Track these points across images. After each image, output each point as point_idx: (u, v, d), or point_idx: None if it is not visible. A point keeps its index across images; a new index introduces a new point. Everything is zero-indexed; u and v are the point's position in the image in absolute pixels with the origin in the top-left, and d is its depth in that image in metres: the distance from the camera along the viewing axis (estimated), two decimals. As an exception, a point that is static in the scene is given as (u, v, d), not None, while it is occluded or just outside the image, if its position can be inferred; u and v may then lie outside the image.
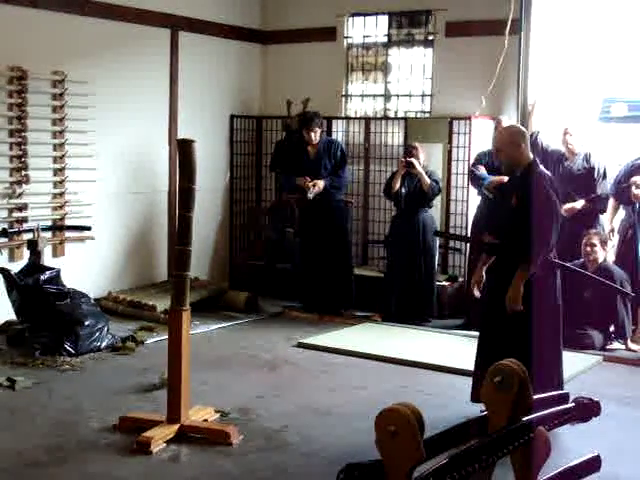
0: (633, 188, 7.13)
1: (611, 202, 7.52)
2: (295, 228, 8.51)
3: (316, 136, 8.04)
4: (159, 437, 4.64)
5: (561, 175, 7.57)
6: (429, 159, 8.09)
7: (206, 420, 5.02)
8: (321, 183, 7.97)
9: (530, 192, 4.94)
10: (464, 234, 8.21)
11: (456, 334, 7.44)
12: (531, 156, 5.12)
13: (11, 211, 7.34)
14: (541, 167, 5.19)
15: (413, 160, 7.72)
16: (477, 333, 7.32)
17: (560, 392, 3.55)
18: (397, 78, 9.08)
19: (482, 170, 7.60)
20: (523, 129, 5.33)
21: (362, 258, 9.00)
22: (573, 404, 3.34)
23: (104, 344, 6.64)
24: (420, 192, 7.78)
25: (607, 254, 7.20)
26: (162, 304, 7.53)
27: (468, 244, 8.03)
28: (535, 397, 3.16)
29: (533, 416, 3.08)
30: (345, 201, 8.41)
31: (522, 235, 4.89)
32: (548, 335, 5.04)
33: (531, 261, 4.88)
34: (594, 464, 3.38)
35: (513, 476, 3.16)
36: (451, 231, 8.38)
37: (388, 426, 2.57)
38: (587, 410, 3.35)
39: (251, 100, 9.69)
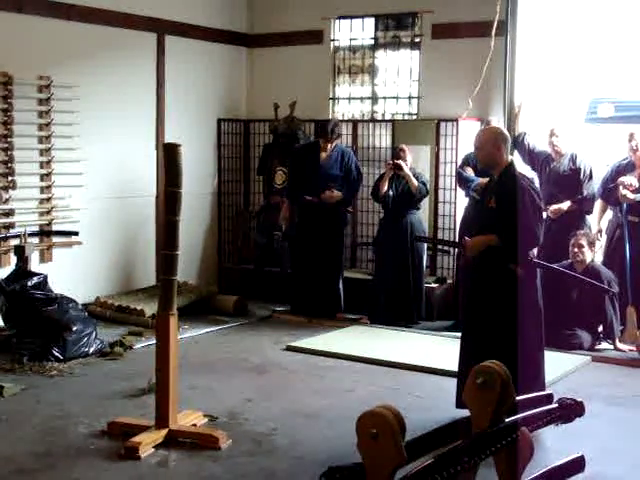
0: (620, 189, 7.15)
1: (599, 203, 7.54)
2: (285, 230, 8.48)
3: (332, 146, 8.05)
4: (147, 442, 4.64)
5: (547, 176, 7.60)
6: (416, 161, 8.10)
7: (195, 425, 5.02)
8: (334, 197, 7.96)
9: (509, 194, 4.97)
10: (452, 236, 8.23)
11: (445, 336, 7.44)
12: (510, 158, 5.16)
13: (-2, 217, 7.33)
14: (519, 169, 5.24)
15: (401, 162, 7.73)
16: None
17: (544, 392, 3.56)
18: (384, 80, 9.10)
19: (469, 172, 7.61)
20: (505, 132, 5.35)
21: (350, 260, 9.00)
22: (557, 405, 3.35)
23: (92, 349, 6.63)
24: (408, 194, 7.79)
25: (595, 255, 7.22)
26: (150, 309, 7.52)
27: (456, 247, 8.04)
28: (518, 398, 3.17)
29: (516, 417, 3.09)
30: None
31: (505, 236, 4.92)
32: (530, 336, 5.05)
33: (517, 259, 4.92)
34: (578, 464, 3.39)
35: (497, 477, 3.17)
36: (439, 233, 8.40)
37: (369, 429, 2.57)
38: (571, 411, 3.36)
39: (238, 103, 9.69)
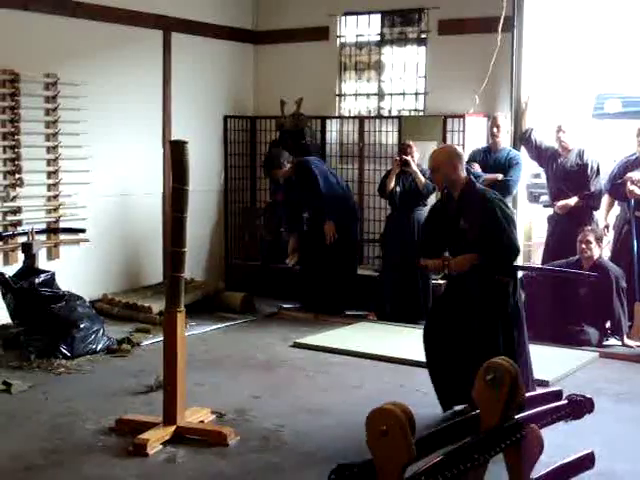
0: (628, 184, 7.13)
1: (606, 198, 7.53)
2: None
3: (285, 172, 8.07)
4: (155, 439, 4.64)
5: (554, 172, 7.59)
6: (423, 157, 8.08)
7: (202, 421, 5.02)
8: (329, 227, 7.94)
9: (477, 212, 5.00)
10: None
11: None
12: (465, 175, 5.14)
13: (5, 214, 7.33)
14: (478, 184, 5.27)
15: (408, 158, 7.72)
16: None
17: (553, 389, 3.55)
18: (390, 77, 9.08)
19: (476, 167, 7.60)
20: (459, 150, 5.32)
21: (358, 257, 8.98)
22: (566, 401, 3.34)
23: (100, 346, 6.64)
24: (415, 191, 7.78)
25: (602, 251, 7.21)
26: (157, 306, 7.53)
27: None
28: (528, 395, 3.17)
29: (525, 414, 3.08)
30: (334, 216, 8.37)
31: (487, 256, 4.96)
32: (514, 337, 5.06)
33: (510, 272, 5.03)
34: (588, 461, 3.39)
35: (507, 474, 3.16)
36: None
37: (379, 426, 2.57)
38: (580, 407, 3.35)
39: (244, 100, 9.69)
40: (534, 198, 8.39)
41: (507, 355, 4.42)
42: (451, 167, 5.06)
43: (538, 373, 5.77)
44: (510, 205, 7.56)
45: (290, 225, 8.34)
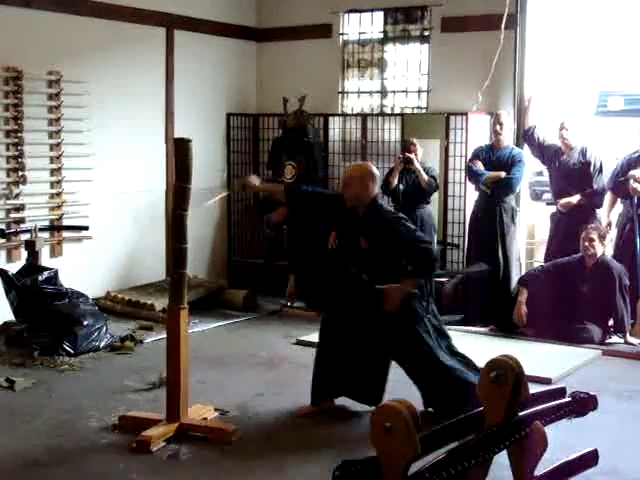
0: (631, 182, 7.13)
1: (609, 196, 7.52)
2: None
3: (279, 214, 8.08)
4: (159, 436, 4.65)
5: (557, 169, 7.58)
6: (426, 155, 8.09)
7: (205, 418, 5.02)
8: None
9: (379, 231, 5.05)
10: (461, 230, 8.24)
11: (454, 330, 7.40)
12: (374, 196, 5.16)
13: (8, 212, 7.33)
14: (385, 207, 5.35)
15: (412, 156, 7.72)
16: (475, 329, 7.41)
17: (556, 387, 3.56)
18: (393, 74, 9.07)
19: (479, 165, 7.60)
20: (374, 170, 5.30)
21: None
22: (570, 399, 3.34)
23: (103, 344, 6.64)
24: (418, 188, 7.78)
25: (605, 248, 7.20)
26: (160, 303, 7.53)
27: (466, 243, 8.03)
28: (532, 392, 3.17)
29: (529, 411, 3.09)
30: None
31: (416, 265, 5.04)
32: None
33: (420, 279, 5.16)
34: (591, 458, 3.39)
35: (510, 471, 3.17)
36: (449, 227, 8.38)
37: (383, 422, 2.58)
38: (584, 404, 3.35)
39: (247, 98, 9.69)
40: (537, 196, 8.42)
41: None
42: (362, 186, 5.09)
43: (541, 371, 5.79)
44: (515, 207, 7.62)
45: (293, 264, 8.32)
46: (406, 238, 5.01)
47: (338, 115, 9.19)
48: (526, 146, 7.86)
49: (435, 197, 8.11)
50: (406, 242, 5.01)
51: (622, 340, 6.97)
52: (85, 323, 6.57)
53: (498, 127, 7.64)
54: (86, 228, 7.73)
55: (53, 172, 7.64)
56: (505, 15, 7.83)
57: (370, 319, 5.09)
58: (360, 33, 9.17)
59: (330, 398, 5.29)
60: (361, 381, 5.17)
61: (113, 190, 8.19)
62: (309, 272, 8.01)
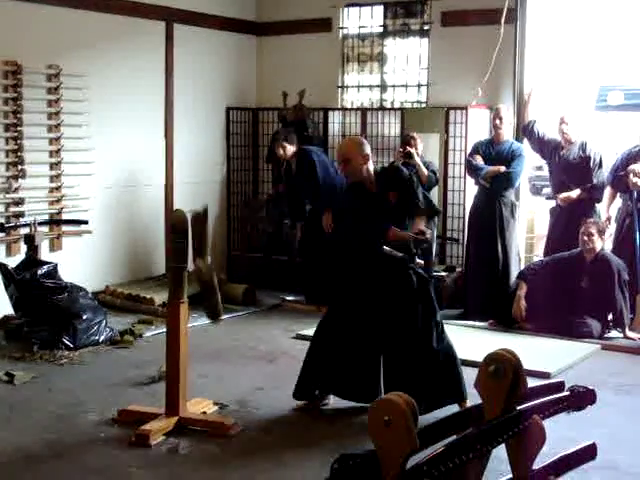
0: (631, 176, 7.13)
1: (608, 190, 7.52)
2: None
3: (285, 151, 8.00)
4: (158, 430, 4.66)
5: (557, 164, 7.58)
6: (426, 149, 8.09)
7: (205, 412, 5.04)
8: (328, 219, 7.91)
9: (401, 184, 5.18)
10: (461, 225, 8.24)
11: (454, 324, 7.43)
12: (372, 167, 5.20)
13: (8, 206, 7.33)
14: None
15: (412, 150, 7.71)
16: (474, 323, 7.41)
17: (555, 381, 3.56)
18: (393, 68, 9.07)
19: (479, 160, 7.60)
20: (364, 140, 5.36)
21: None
22: (568, 392, 3.34)
23: (102, 338, 6.65)
24: (418, 183, 7.76)
25: (605, 243, 7.20)
26: (160, 297, 7.54)
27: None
28: (530, 385, 3.17)
29: (528, 405, 3.08)
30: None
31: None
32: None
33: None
34: (590, 452, 3.39)
35: (508, 465, 3.16)
36: (448, 221, 8.39)
37: (381, 416, 2.57)
38: (582, 398, 3.35)
39: (247, 92, 9.68)
40: (536, 190, 8.41)
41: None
42: (361, 157, 5.11)
43: (540, 365, 5.79)
44: (515, 202, 7.63)
45: (294, 216, 8.32)
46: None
47: (338, 109, 9.18)
48: (526, 140, 7.86)
49: (435, 191, 8.11)
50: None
51: (621, 334, 6.98)
52: (84, 317, 6.58)
53: (498, 121, 7.64)
54: (85, 222, 7.74)
55: (52, 166, 7.64)
56: (505, 9, 7.82)
57: (376, 292, 5.07)
58: (360, 27, 9.17)
59: (319, 393, 5.24)
60: (355, 379, 5.13)
61: (112, 184, 8.19)
62: (316, 264, 8.01)
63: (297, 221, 8.29)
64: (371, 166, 5.18)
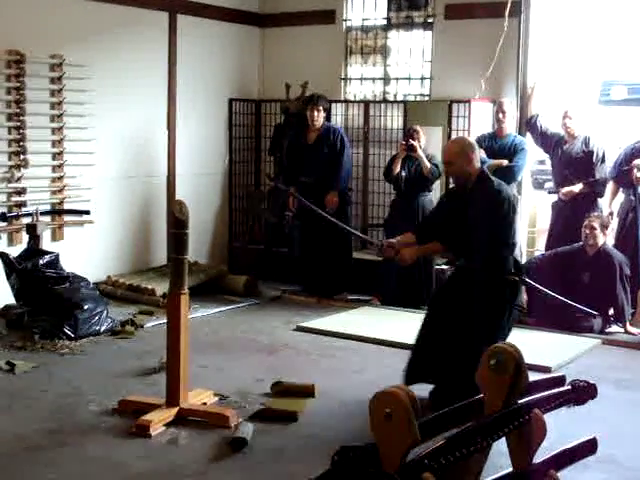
0: (635, 171, 7.11)
1: (611, 185, 7.51)
2: (294, 212, 8.46)
3: (319, 116, 7.99)
4: (158, 420, 4.66)
5: (560, 158, 7.57)
6: (428, 142, 8.07)
7: (205, 403, 5.04)
8: (335, 198, 7.95)
9: (484, 205, 4.99)
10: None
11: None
12: (478, 166, 5.12)
13: (10, 195, 7.33)
14: (492, 177, 5.22)
15: (415, 143, 7.70)
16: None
17: (556, 375, 3.56)
18: (396, 61, 9.05)
19: (482, 153, 7.58)
20: (472, 140, 5.30)
21: (362, 242, 8.98)
22: (569, 387, 3.35)
23: (103, 328, 6.65)
24: (420, 176, 7.77)
25: (607, 238, 7.19)
26: (161, 288, 7.54)
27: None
28: (531, 379, 3.17)
29: (529, 399, 3.09)
30: (346, 187, 8.36)
31: (478, 245, 4.98)
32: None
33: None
34: (590, 446, 3.40)
35: (509, 458, 3.17)
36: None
37: (382, 409, 2.58)
38: (583, 393, 3.35)
39: (250, 83, 9.66)
40: (539, 184, 8.40)
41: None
42: (466, 160, 5.04)
43: (541, 359, 5.80)
44: (517, 195, 7.62)
45: (287, 178, 8.26)
46: (491, 222, 4.97)
47: (341, 101, 9.16)
48: (529, 134, 7.84)
49: (437, 185, 8.10)
50: (491, 223, 4.97)
51: (622, 329, 6.98)
52: (86, 307, 6.58)
53: (501, 115, 7.63)
54: (87, 212, 7.73)
55: (55, 156, 7.63)
56: (509, 3, 7.80)
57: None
58: (363, 19, 9.15)
59: (421, 381, 5.18)
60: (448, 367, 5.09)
61: (115, 174, 8.19)
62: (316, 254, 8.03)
63: (289, 184, 8.20)
64: (475, 165, 5.09)
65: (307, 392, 5.28)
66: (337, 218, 7.99)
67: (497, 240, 5.00)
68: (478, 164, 5.14)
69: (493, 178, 5.24)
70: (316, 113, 7.97)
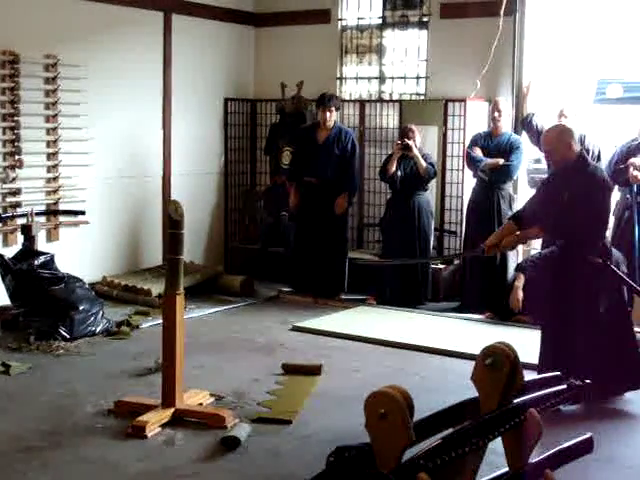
0: (631, 169, 7.10)
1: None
2: (291, 211, 8.45)
3: (331, 117, 7.98)
4: (154, 421, 4.65)
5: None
6: (424, 142, 8.08)
7: (201, 404, 5.03)
8: (344, 203, 7.96)
9: (582, 187, 5.05)
10: (458, 217, 8.23)
11: (451, 317, 7.46)
12: (578, 150, 5.17)
13: (5, 196, 7.31)
14: (589, 160, 5.32)
15: (410, 142, 7.69)
16: (472, 316, 7.41)
17: (552, 374, 3.56)
18: (392, 60, 9.05)
19: (478, 152, 7.59)
20: (569, 127, 5.34)
21: (357, 241, 8.98)
22: (565, 386, 3.34)
23: (99, 328, 6.64)
24: (416, 175, 7.77)
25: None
26: (157, 288, 7.53)
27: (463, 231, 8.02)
28: (527, 379, 3.17)
29: (524, 398, 3.08)
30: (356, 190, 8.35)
31: (582, 229, 5.06)
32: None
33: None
34: (586, 445, 3.39)
35: (505, 458, 3.17)
36: (446, 214, 8.38)
37: (377, 409, 2.57)
38: (579, 392, 3.35)
39: (245, 83, 9.65)
40: (534, 183, 8.36)
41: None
42: (566, 147, 5.10)
43: (537, 358, 5.78)
44: (511, 191, 7.63)
45: (292, 176, 8.23)
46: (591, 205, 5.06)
47: (336, 101, 9.14)
48: (524, 133, 7.84)
49: (433, 184, 8.10)
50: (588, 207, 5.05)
51: (618, 328, 6.96)
52: (81, 308, 6.57)
53: (497, 114, 7.62)
54: (82, 213, 7.72)
55: (50, 156, 7.62)
56: (504, 1, 7.79)
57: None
58: (359, 19, 9.14)
59: None
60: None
61: (110, 175, 8.17)
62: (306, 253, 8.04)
63: (293, 180, 8.20)
64: (575, 150, 5.15)
65: (314, 371, 5.72)
66: (341, 219, 8.00)
67: (596, 221, 5.12)
68: (577, 148, 5.19)
69: (590, 162, 5.34)
70: (328, 114, 7.94)
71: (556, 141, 5.14)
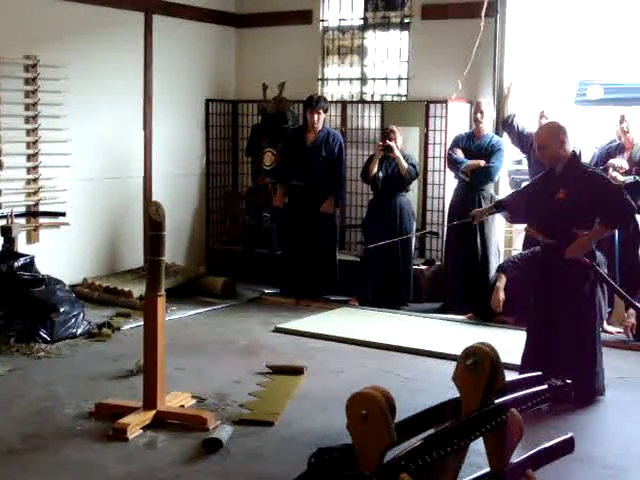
0: (610, 171, 7.14)
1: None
2: (273, 212, 8.43)
3: (320, 119, 7.97)
4: (135, 423, 4.63)
5: (536, 158, 7.57)
6: (406, 143, 8.08)
7: (183, 406, 5.01)
8: (332, 205, 7.97)
9: (578, 185, 5.08)
10: (440, 218, 8.25)
11: (433, 318, 7.46)
12: (571, 149, 5.20)
13: (-16, 197, 7.28)
14: (579, 157, 5.40)
15: (391, 144, 7.70)
16: (454, 317, 7.43)
17: (533, 374, 3.57)
18: (373, 61, 9.05)
19: (459, 153, 7.60)
20: (563, 124, 5.34)
21: (339, 242, 8.97)
22: (546, 386, 3.35)
23: (80, 331, 6.60)
24: (397, 176, 7.77)
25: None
26: (138, 290, 7.49)
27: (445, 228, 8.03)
28: (508, 379, 3.17)
29: (505, 398, 3.09)
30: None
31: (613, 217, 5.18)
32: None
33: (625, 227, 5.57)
34: (567, 445, 3.40)
35: (486, 458, 3.17)
36: (428, 215, 8.39)
37: (359, 410, 2.57)
38: (560, 392, 3.36)
39: (226, 84, 9.64)
40: (516, 184, 8.40)
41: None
42: (558, 143, 5.12)
43: (518, 358, 5.79)
44: (492, 192, 7.66)
45: (281, 178, 8.24)
46: (606, 188, 5.13)
47: (318, 102, 9.13)
48: (505, 134, 7.86)
49: (414, 185, 8.11)
50: (606, 192, 5.11)
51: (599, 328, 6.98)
52: (62, 310, 6.54)
53: (479, 115, 7.64)
54: (63, 214, 7.69)
55: (30, 157, 7.58)
56: (485, 3, 7.82)
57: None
58: (340, 20, 9.14)
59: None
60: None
61: (90, 176, 8.13)
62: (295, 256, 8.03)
63: (281, 182, 8.21)
64: (567, 149, 5.18)
65: (298, 372, 5.75)
66: (328, 221, 8.00)
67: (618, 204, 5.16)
68: (570, 147, 5.21)
69: (583, 161, 5.43)
70: (316, 117, 7.93)
71: (550, 138, 5.15)
